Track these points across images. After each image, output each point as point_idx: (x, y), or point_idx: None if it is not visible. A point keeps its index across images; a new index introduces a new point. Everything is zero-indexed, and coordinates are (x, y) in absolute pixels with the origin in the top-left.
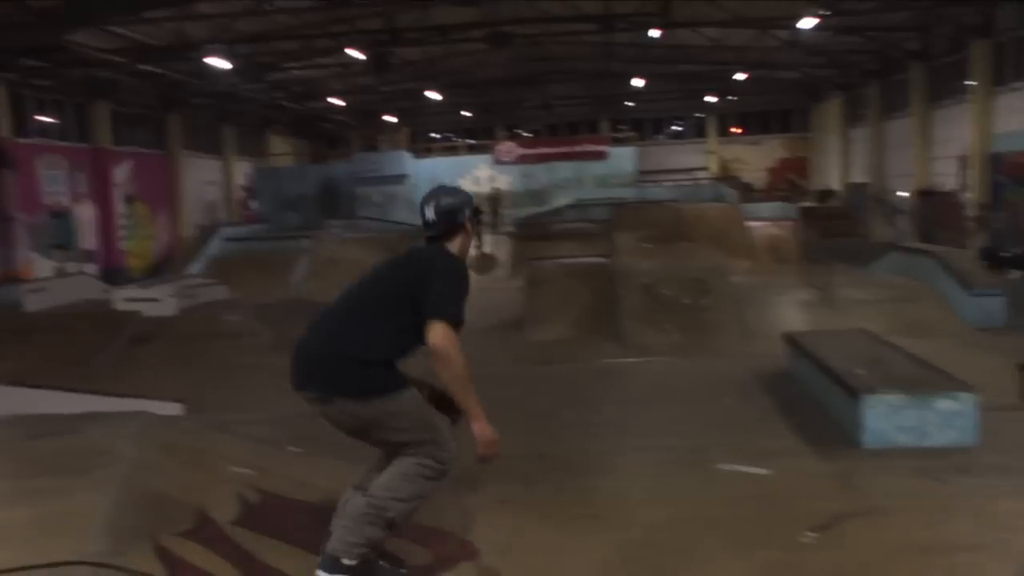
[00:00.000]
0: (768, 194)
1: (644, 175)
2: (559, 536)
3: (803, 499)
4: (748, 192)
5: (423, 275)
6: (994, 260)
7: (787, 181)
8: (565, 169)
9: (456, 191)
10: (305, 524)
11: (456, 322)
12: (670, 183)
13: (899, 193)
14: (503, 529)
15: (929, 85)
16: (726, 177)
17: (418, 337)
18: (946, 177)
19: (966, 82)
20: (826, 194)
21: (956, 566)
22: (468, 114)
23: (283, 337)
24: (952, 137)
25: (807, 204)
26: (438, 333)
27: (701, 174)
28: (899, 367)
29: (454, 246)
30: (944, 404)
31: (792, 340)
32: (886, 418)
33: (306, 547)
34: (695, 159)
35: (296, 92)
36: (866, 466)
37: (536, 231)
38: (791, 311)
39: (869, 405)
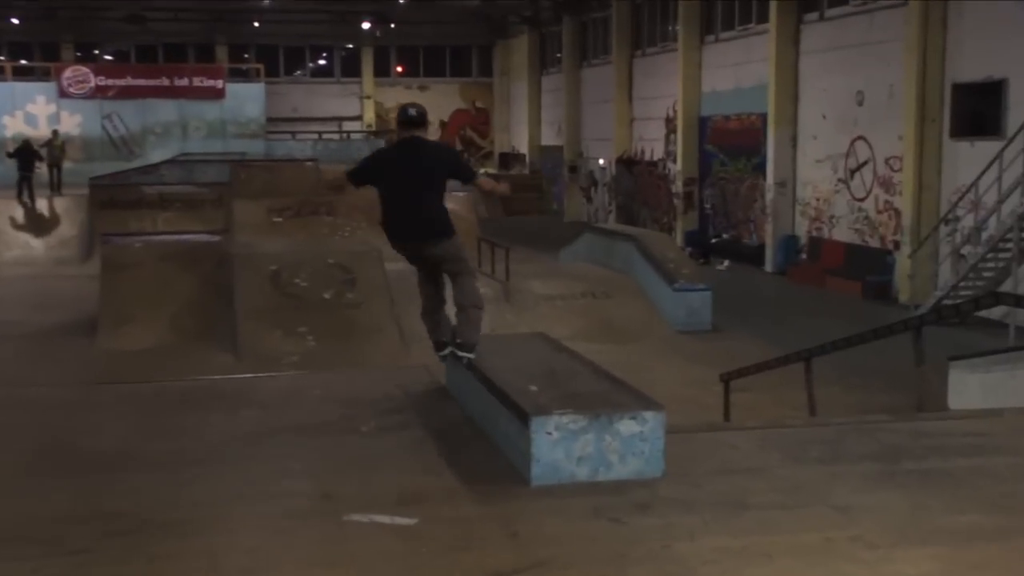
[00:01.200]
0: None
1: (276, 124)
2: None
3: (457, 554)
4: None
5: (450, 161)
6: (701, 247)
7: (463, 140)
8: (164, 110)
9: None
10: None
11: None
12: (311, 137)
13: (599, 161)
14: None
15: (634, 27)
16: (386, 132)
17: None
18: (652, 143)
19: (675, 27)
20: (511, 158)
21: None
22: (15, 21)
23: None
24: (660, 94)
25: (487, 171)
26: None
27: (353, 126)
28: (581, 381)
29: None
30: (627, 426)
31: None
32: (560, 446)
33: None
34: (346, 106)
35: None
36: (535, 508)
37: (119, 196)
38: None
39: (539, 430)
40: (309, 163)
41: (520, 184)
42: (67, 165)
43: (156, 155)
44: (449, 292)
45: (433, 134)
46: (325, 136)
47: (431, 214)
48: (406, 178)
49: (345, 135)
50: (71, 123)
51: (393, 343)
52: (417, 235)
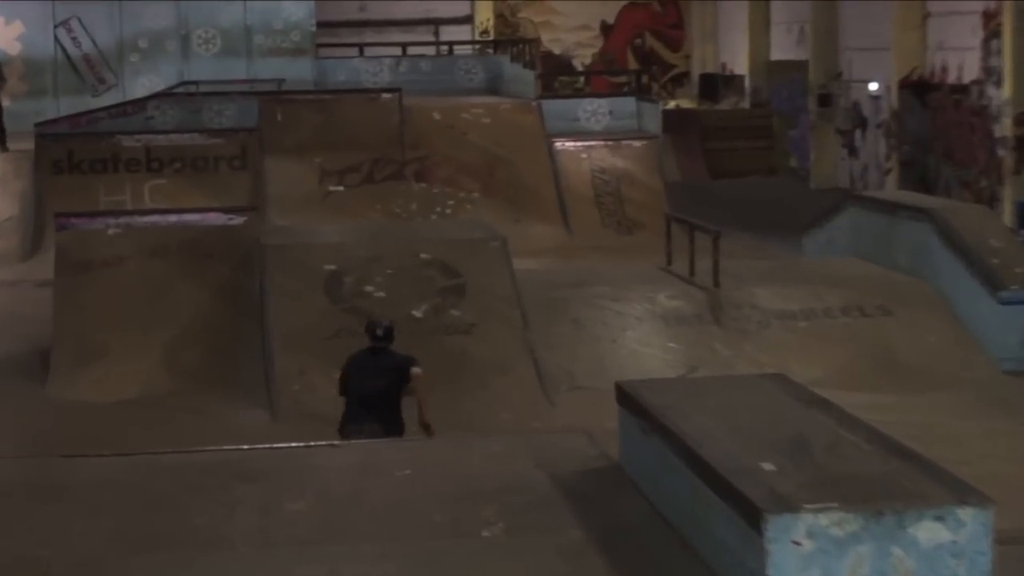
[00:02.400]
0: (601, 82)
1: (333, 33)
2: None
3: None
4: (558, 77)
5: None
6: None
7: (640, 54)
8: (153, 12)
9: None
10: None
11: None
12: (390, 53)
13: (869, 86)
14: None
15: None
16: (512, 42)
17: None
18: (962, 56)
19: None
20: (720, 84)
21: None
22: None
23: None
24: None
25: (680, 104)
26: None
27: (458, 33)
28: (847, 456)
29: None
30: (929, 532)
31: (631, 399)
32: (815, 564)
33: None
34: (446, 4)
35: None
36: None
37: (83, 152)
38: (639, 335)
39: (780, 536)
40: (387, 96)
41: (738, 127)
42: (4, 103)
43: (141, 85)
44: None
45: (592, 44)
46: (413, 51)
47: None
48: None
49: (446, 48)
50: (7, 36)
51: (528, 390)
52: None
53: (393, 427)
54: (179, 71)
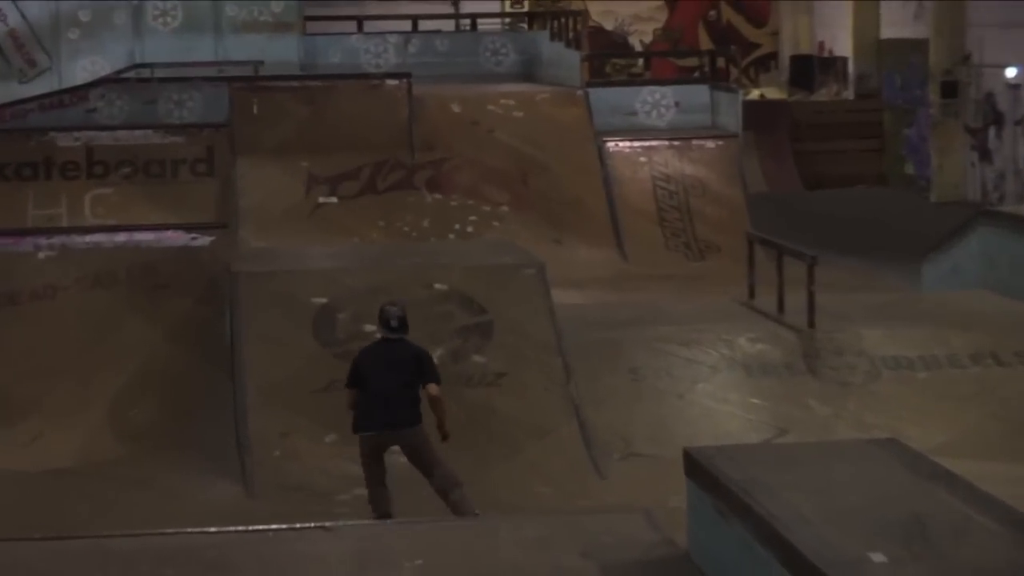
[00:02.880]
0: (665, 66)
1: (324, 3)
2: None
3: None
4: (611, 59)
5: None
6: None
7: (716, 31)
8: None
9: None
10: None
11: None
12: (395, 29)
13: (1008, 72)
14: None
15: None
16: (552, 15)
17: None
18: None
19: None
20: (817, 68)
21: None
22: None
23: None
24: None
25: (766, 94)
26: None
27: (481, 2)
28: (983, 547)
29: None
30: None
31: (703, 470)
32: None
33: None
34: None
35: None
36: None
37: (8, 151)
38: (713, 389)
39: None
40: (393, 82)
41: (839, 123)
42: None
43: (81, 69)
44: None
45: (653, 17)
46: (425, 26)
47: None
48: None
49: (468, 22)
50: None
51: (571, 458)
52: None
53: (410, 419)
54: (129, 51)
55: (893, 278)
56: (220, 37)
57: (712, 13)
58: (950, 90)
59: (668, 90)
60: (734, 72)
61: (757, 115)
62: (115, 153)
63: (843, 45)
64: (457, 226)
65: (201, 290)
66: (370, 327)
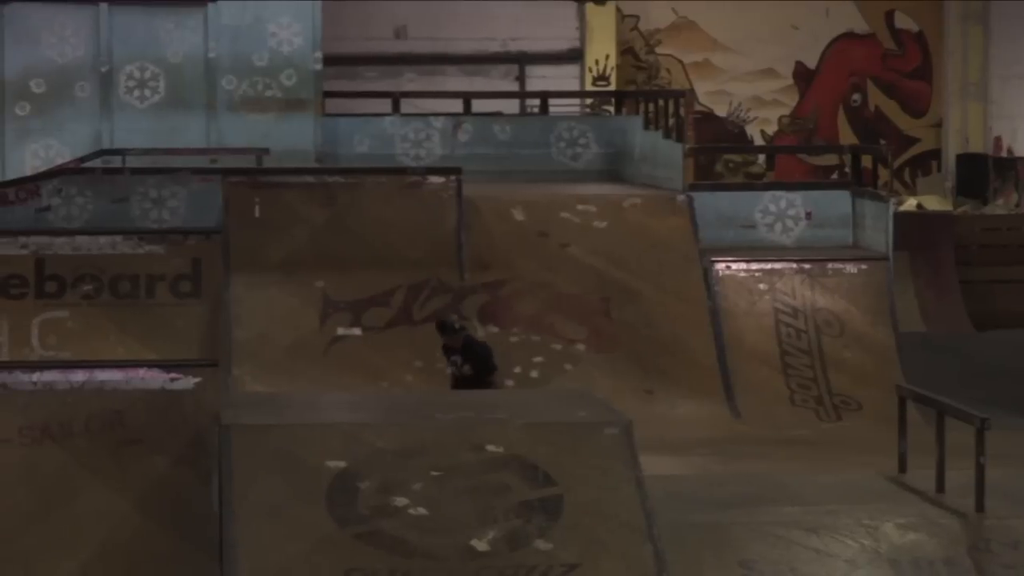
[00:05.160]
0: (793, 165)
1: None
2: None
3: None
4: (723, 155)
5: None
6: None
7: (860, 120)
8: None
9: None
10: None
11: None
12: (441, 108)
13: None
14: None
15: None
16: (647, 95)
17: None
18: None
19: None
20: (994, 168)
21: None
22: None
23: None
24: None
25: (925, 204)
26: None
27: (559, 78)
28: None
29: None
30: None
31: None
32: None
33: None
34: (537, 22)
35: None
36: None
37: None
38: None
39: None
40: (437, 179)
41: (1018, 247)
42: None
43: (32, 155)
44: None
45: (780, 100)
46: (480, 106)
47: None
48: None
49: (536, 103)
50: None
51: None
52: None
53: None
54: (95, 132)
55: None
56: (213, 117)
57: (856, 97)
58: None
59: (797, 196)
60: (884, 175)
61: (913, 231)
62: (73, 265)
63: None
64: (518, 369)
65: (182, 448)
66: (401, 500)
